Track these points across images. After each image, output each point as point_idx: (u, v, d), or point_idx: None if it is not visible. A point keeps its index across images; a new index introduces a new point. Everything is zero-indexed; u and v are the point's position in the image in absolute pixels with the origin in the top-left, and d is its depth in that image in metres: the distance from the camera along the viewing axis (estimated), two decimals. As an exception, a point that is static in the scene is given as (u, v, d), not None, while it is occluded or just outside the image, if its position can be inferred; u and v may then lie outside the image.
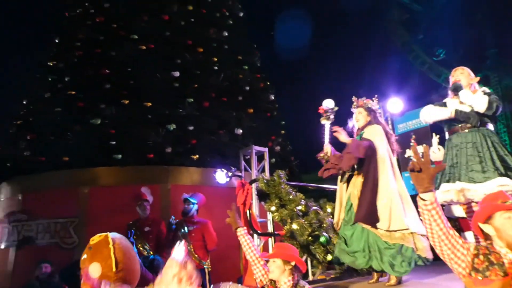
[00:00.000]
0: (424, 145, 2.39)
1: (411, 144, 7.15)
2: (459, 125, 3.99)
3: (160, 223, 6.48)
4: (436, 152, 5.28)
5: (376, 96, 4.40)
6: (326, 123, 4.50)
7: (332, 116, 4.49)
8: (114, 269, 1.94)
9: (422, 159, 2.01)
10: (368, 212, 3.77)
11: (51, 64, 9.83)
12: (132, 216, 6.42)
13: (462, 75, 4.09)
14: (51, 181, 8.16)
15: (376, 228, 3.77)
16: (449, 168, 3.97)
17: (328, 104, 4.49)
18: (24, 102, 9.78)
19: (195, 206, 6.37)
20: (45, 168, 8.21)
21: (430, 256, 3.72)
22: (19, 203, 8.36)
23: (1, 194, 8.87)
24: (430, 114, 4.20)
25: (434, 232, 1.99)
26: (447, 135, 4.20)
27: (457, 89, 3.99)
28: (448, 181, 3.92)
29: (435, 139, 5.38)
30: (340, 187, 4.26)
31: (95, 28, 9.68)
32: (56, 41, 10.40)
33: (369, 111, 4.27)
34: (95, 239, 2.06)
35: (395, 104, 6.94)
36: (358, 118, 4.31)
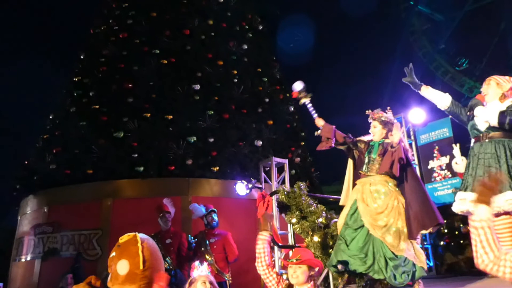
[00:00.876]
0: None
1: (434, 155, 7.02)
2: (481, 134, 3.91)
3: (182, 235, 6.50)
4: (459, 163, 5.17)
5: (389, 107, 4.38)
6: (305, 101, 4.63)
7: (307, 94, 4.64)
8: (141, 267, 1.98)
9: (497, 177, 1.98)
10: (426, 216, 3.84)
11: (77, 80, 10.14)
12: (154, 228, 6.47)
13: (488, 88, 3.99)
14: (76, 194, 8.35)
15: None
16: (467, 176, 3.90)
17: (297, 86, 4.68)
18: (51, 117, 10.09)
19: (216, 217, 6.38)
20: (70, 181, 8.41)
21: (426, 268, 3.89)
22: (44, 216, 8.57)
23: (28, 206, 9.12)
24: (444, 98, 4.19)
25: (484, 251, 1.87)
26: (471, 143, 4.12)
27: (472, 108, 4.01)
28: (465, 190, 3.85)
29: (457, 149, 5.26)
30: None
31: (118, 44, 9.95)
32: (82, 57, 10.74)
33: (384, 123, 4.25)
34: (123, 238, 2.10)
35: (417, 114, 6.85)
36: (373, 131, 4.32)
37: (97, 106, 9.11)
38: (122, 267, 1.98)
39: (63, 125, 9.36)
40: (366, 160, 4.18)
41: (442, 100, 4.16)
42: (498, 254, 1.79)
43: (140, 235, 2.12)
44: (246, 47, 10.63)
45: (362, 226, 3.94)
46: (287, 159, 7.34)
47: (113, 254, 2.07)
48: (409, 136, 7.27)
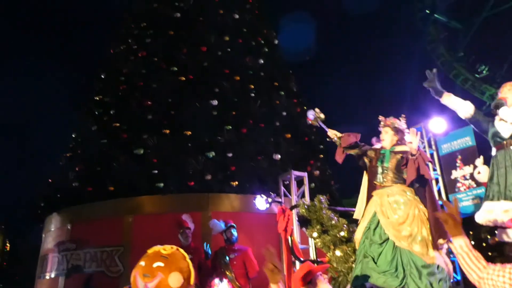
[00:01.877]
0: (454, 197, 2.55)
1: (457, 165, 6.86)
2: (505, 141, 3.80)
3: (202, 251, 6.49)
4: (482, 173, 5.03)
5: (403, 115, 4.30)
6: (318, 123, 4.90)
7: (320, 117, 4.91)
8: (192, 282, 2.01)
9: (452, 207, 2.11)
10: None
11: (98, 99, 10.37)
12: (175, 244, 6.45)
13: (510, 92, 3.90)
14: (98, 211, 8.47)
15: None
16: (492, 185, 3.77)
17: (310, 114, 4.99)
18: (73, 136, 10.33)
19: (235, 232, 6.36)
20: (92, 198, 8.54)
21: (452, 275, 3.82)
22: (68, 233, 8.71)
23: (52, 224, 9.29)
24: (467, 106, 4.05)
25: (467, 273, 2.07)
26: (493, 151, 4.01)
27: (498, 106, 3.85)
28: (491, 200, 3.72)
29: (480, 159, 5.12)
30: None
31: (137, 62, 10.17)
32: (102, 76, 11.01)
33: (396, 130, 4.18)
34: (166, 249, 2.10)
35: (438, 124, 6.72)
36: (384, 137, 4.24)
37: (118, 124, 9.28)
38: (175, 280, 1.97)
39: (85, 143, 9.56)
40: (380, 170, 4.10)
41: (465, 108, 4.05)
42: (481, 274, 1.98)
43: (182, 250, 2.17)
44: (262, 61, 10.71)
45: (387, 239, 3.84)
46: (306, 173, 7.29)
47: (159, 264, 2.01)
48: (430, 146, 7.13)
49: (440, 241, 3.80)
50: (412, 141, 3.99)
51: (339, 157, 4.47)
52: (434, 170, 6.54)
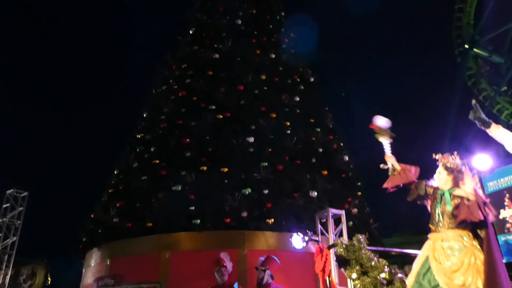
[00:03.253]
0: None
1: (505, 204, 6.50)
2: None
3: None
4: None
5: (455, 152, 3.94)
6: (383, 141, 4.15)
7: (388, 134, 4.14)
8: None
9: None
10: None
11: (139, 136, 10.79)
12: (211, 282, 6.43)
13: None
14: (136, 247, 8.60)
15: None
16: None
17: (381, 122, 4.15)
18: (116, 172, 10.72)
19: (268, 272, 6.23)
20: (131, 234, 8.71)
21: None
22: (107, 268, 8.86)
23: (92, 259, 9.50)
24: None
25: None
26: None
27: None
28: None
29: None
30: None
31: (178, 101, 10.58)
32: (144, 115, 11.50)
33: (450, 171, 3.86)
34: None
35: (483, 160, 6.45)
36: (439, 177, 3.93)
37: (157, 161, 9.56)
38: None
39: (126, 180, 9.87)
40: (437, 212, 3.81)
41: None
42: None
43: None
44: (298, 98, 10.84)
45: (437, 286, 3.62)
46: (343, 210, 7.14)
47: None
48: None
49: None
50: (467, 183, 3.74)
51: (391, 188, 4.06)
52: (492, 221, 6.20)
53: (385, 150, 4.18)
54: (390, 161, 4.14)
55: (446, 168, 3.89)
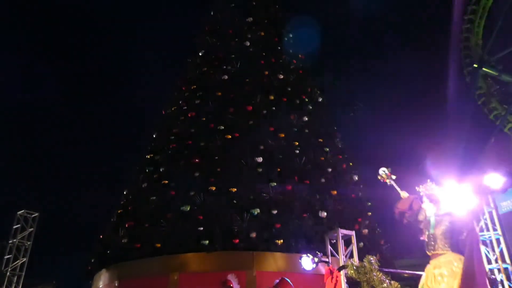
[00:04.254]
0: None
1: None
2: None
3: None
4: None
5: (428, 180, 4.27)
6: (391, 183, 4.66)
7: (392, 176, 4.70)
8: None
9: None
10: None
11: (149, 157, 10.87)
12: (218, 304, 6.36)
13: None
14: (145, 268, 8.54)
15: None
16: None
17: (381, 172, 4.77)
18: (125, 193, 10.76)
19: None
20: (140, 255, 8.66)
21: None
22: (115, 290, 8.79)
23: (100, 281, 9.44)
24: None
25: None
26: None
27: None
28: None
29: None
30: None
31: (187, 122, 10.67)
32: (154, 136, 11.60)
33: (429, 198, 4.15)
34: None
35: (495, 180, 6.35)
36: (424, 206, 4.21)
37: (166, 181, 9.58)
38: None
39: (136, 200, 9.89)
40: (426, 238, 4.01)
41: None
42: None
43: None
44: (306, 119, 10.86)
45: None
46: (354, 231, 7.05)
47: None
48: (487, 204, 6.71)
49: None
50: (446, 203, 3.98)
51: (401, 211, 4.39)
52: (494, 230, 6.10)
53: (397, 190, 4.62)
54: (405, 195, 4.53)
55: (427, 196, 4.20)
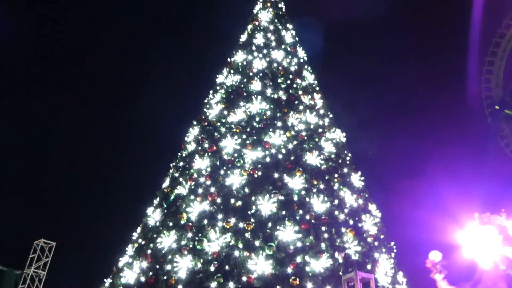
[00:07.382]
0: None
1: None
2: None
3: None
4: None
5: (503, 210, 3.96)
6: (438, 278, 4.16)
7: (442, 270, 4.17)
8: None
9: None
10: None
11: (166, 191, 10.90)
12: None
13: None
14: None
15: None
16: None
17: (435, 256, 4.21)
18: (140, 226, 10.74)
19: None
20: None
21: None
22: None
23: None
24: None
25: None
26: None
27: None
28: None
29: None
30: None
31: (206, 158, 10.73)
32: (171, 171, 11.68)
33: (500, 229, 3.84)
34: None
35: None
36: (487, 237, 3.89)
37: (182, 216, 9.55)
38: None
39: (151, 236, 9.85)
40: None
41: None
42: None
43: None
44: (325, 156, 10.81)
45: None
46: (372, 274, 6.83)
47: None
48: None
49: None
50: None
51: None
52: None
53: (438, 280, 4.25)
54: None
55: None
